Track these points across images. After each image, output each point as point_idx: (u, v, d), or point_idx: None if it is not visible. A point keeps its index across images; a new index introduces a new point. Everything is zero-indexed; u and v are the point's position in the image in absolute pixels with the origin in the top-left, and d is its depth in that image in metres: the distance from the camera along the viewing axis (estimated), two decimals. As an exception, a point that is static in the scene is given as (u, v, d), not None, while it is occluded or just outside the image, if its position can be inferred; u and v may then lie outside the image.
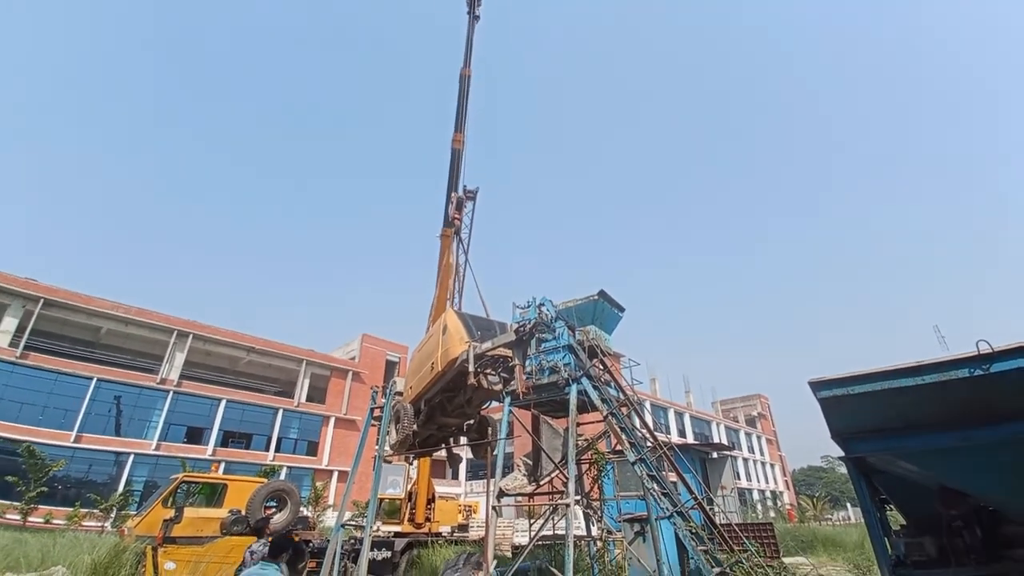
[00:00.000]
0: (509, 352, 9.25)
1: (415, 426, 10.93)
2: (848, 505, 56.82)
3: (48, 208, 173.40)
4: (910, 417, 4.48)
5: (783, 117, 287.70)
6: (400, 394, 12.25)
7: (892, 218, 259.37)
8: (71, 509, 25.01)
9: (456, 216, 17.21)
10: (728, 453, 18.96)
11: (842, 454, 5.22)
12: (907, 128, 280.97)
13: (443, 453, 15.83)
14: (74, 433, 29.90)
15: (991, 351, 3.86)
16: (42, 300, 30.98)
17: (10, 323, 30.11)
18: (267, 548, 6.84)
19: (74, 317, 33.32)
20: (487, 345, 9.29)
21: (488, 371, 9.81)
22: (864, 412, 4.61)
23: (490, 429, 12.63)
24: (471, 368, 9.11)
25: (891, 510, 6.73)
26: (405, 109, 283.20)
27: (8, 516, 23.43)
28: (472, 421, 12.48)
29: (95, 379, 31.71)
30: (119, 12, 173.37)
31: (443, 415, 11.47)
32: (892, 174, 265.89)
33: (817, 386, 4.56)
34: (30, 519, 23.63)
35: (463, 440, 13.75)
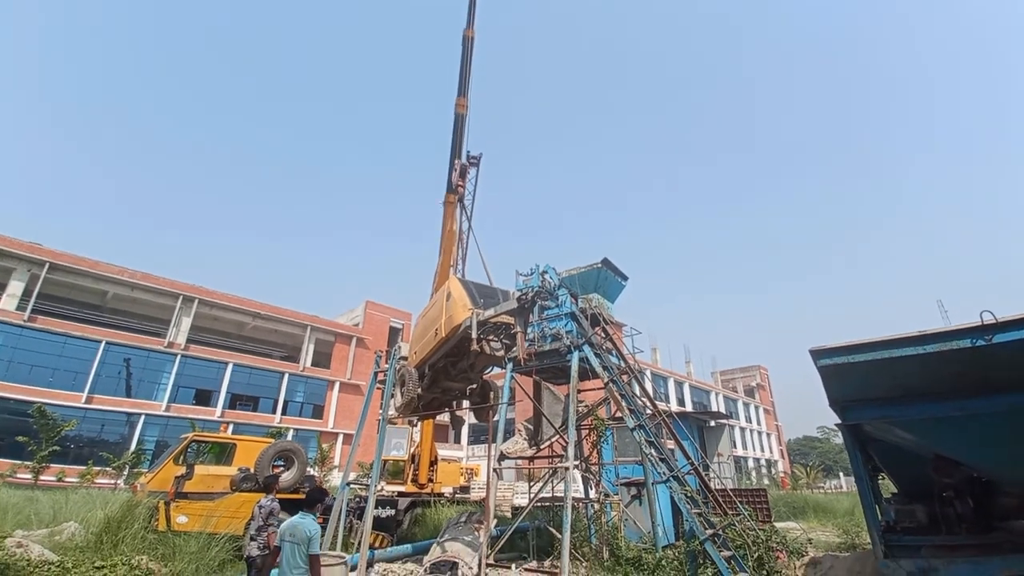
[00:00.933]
0: (511, 319, 9.33)
1: (419, 389, 11.15)
2: (841, 474, 58.06)
3: (54, 173, 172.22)
4: (909, 386, 4.52)
5: (809, 75, 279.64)
6: (405, 359, 12.41)
7: (902, 189, 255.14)
8: (84, 467, 25.74)
9: (460, 183, 17.02)
10: (725, 422, 19.26)
11: (838, 422, 5.29)
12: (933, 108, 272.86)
13: (446, 416, 16.13)
14: (85, 394, 30.55)
15: (995, 321, 3.85)
16: (47, 264, 31.15)
17: (16, 287, 30.36)
18: (275, 503, 7.09)
19: (80, 281, 33.55)
20: (490, 312, 9.37)
21: (491, 337, 9.93)
22: (863, 380, 4.64)
23: (492, 393, 12.85)
24: (474, 334, 9.21)
25: (882, 479, 6.85)
26: (412, 72, 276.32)
27: (20, 475, 24.04)
28: (475, 385, 12.71)
29: (104, 342, 32.18)
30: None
31: (447, 379, 11.70)
32: (904, 145, 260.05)
33: (818, 354, 4.58)
34: (42, 478, 24.24)
35: (466, 404, 13.99)
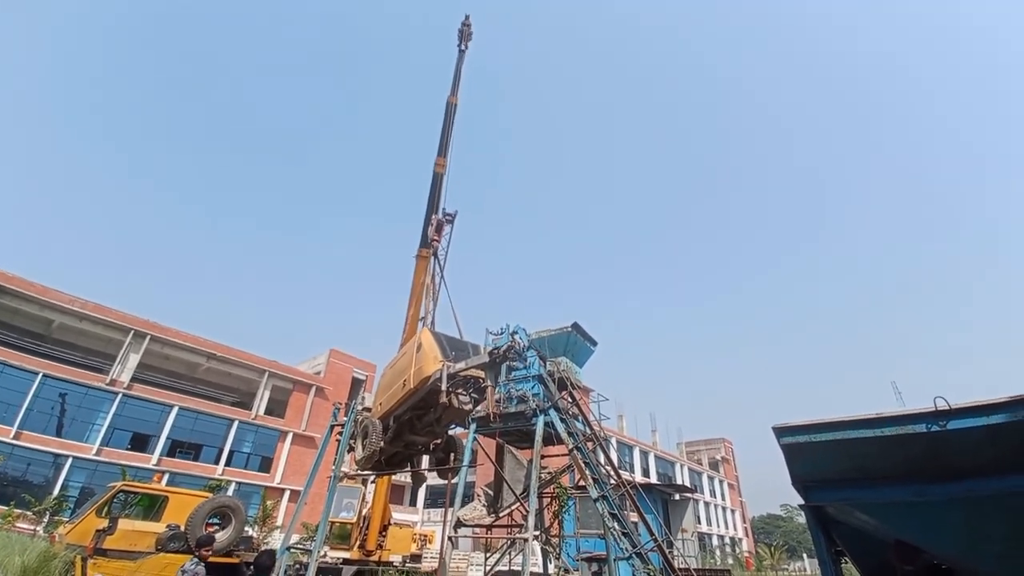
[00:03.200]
0: (481, 373, 9.23)
1: (382, 443, 10.73)
2: (804, 556, 56.95)
3: (13, 199, 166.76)
4: (868, 468, 4.53)
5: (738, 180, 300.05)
6: (368, 410, 12.01)
7: (864, 265, 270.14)
8: (5, 508, 23.33)
9: (435, 238, 17.41)
10: (690, 496, 18.92)
11: (801, 502, 5.23)
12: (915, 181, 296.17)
13: (404, 477, 15.39)
14: (14, 429, 28.07)
15: (948, 408, 3.96)
16: (-7, 287, 29.43)
17: (-46, 309, 28.43)
18: (200, 566, 6.43)
19: (26, 307, 31.64)
20: (460, 365, 9.28)
21: (459, 391, 9.78)
22: (825, 461, 4.64)
23: (457, 450, 12.44)
24: (443, 386, 9.06)
25: (846, 563, 6.74)
26: (385, 122, 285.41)
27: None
28: (439, 440, 12.34)
29: (41, 374, 29.99)
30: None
31: (411, 432, 11.36)
32: (877, 220, 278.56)
33: (781, 432, 4.59)
34: (-37, 515, 21.82)
35: (424, 461, 13.42)
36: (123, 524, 10.51)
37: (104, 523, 10.24)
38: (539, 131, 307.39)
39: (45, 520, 24.13)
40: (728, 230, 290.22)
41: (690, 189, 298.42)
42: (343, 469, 11.18)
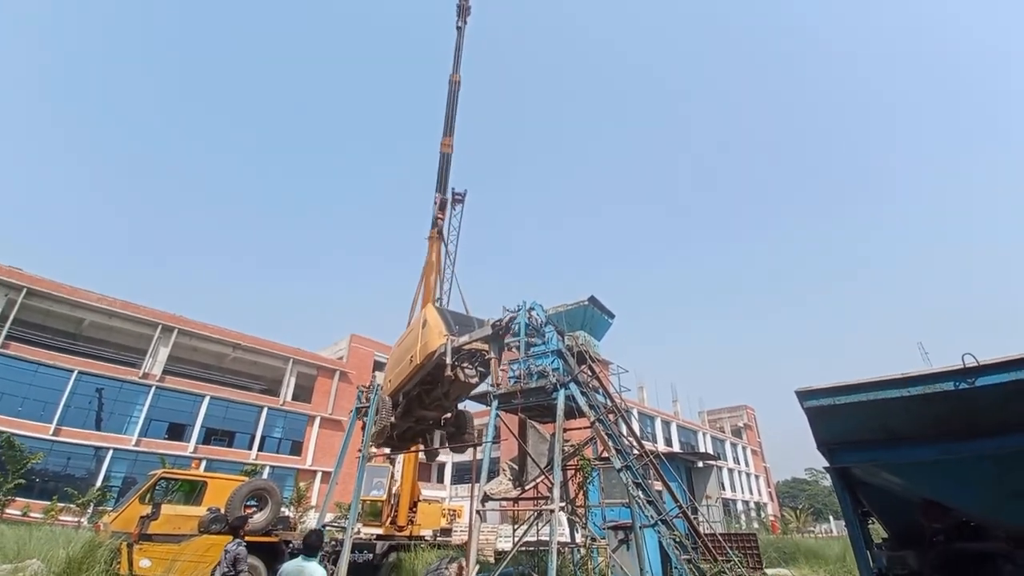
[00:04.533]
0: (485, 346, 9.35)
1: (393, 418, 10.99)
2: (831, 518, 57.15)
3: (39, 198, 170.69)
4: (895, 429, 4.49)
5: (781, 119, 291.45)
6: (380, 387, 12.28)
7: (890, 227, 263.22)
8: (48, 503, 24.56)
9: (440, 216, 17.54)
10: (714, 463, 19.02)
11: (827, 465, 5.22)
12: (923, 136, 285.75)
13: (423, 451, 15.76)
14: (53, 426, 29.29)
15: (976, 364, 3.88)
16: (25, 289, 30.40)
17: (-9, 312, 29.49)
18: (241, 547, 6.73)
19: (57, 308, 32.71)
20: (464, 339, 9.42)
21: (465, 365, 9.93)
22: (850, 423, 4.61)
23: (465, 424, 12.67)
24: (449, 361, 9.21)
25: (873, 523, 6.74)
26: (405, 99, 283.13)
27: (-15, 508, 22.93)
28: (449, 415, 12.57)
29: (76, 371, 31.13)
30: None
31: (421, 408, 11.60)
32: (897, 181, 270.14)
33: (804, 395, 4.55)
34: (7, 511, 23.20)
35: (438, 436, 13.70)
36: (166, 509, 10.98)
37: (147, 510, 10.71)
38: (563, 98, 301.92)
39: (89, 511, 25.35)
40: (750, 192, 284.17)
41: (710, 150, 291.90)
42: (370, 449, 11.48)
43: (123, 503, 11.86)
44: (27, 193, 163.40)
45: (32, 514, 23.65)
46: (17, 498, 24.34)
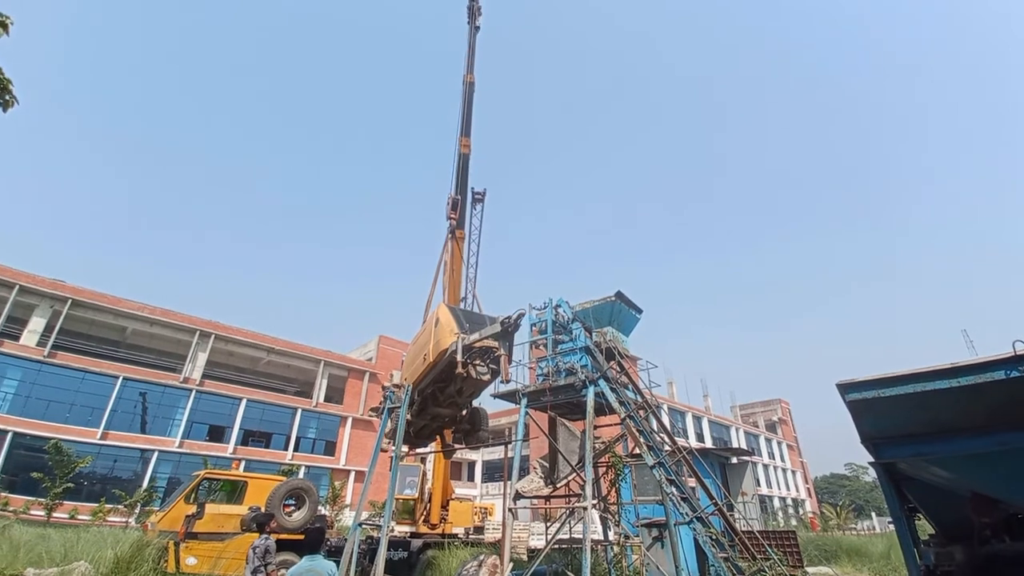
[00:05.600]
0: (495, 343, 9.40)
1: (409, 415, 11.16)
2: (873, 514, 55.36)
3: (72, 208, 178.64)
4: (943, 421, 4.32)
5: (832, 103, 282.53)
6: (398, 386, 12.47)
7: (927, 221, 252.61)
8: (96, 505, 25.55)
9: (452, 215, 17.56)
10: (748, 458, 18.62)
11: (871, 460, 5.06)
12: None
13: (463, 454, 15.87)
14: (100, 430, 30.63)
15: (1030, 352, 3.69)
16: (69, 301, 31.84)
17: (38, 323, 31.00)
18: (269, 540, 6.91)
19: (101, 317, 34.20)
20: (474, 336, 9.51)
21: (477, 362, 10.00)
22: (895, 416, 4.46)
23: (480, 421, 12.74)
24: (459, 358, 9.31)
25: (920, 519, 6.51)
26: (438, 102, 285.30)
27: (33, 512, 23.94)
28: (464, 412, 12.68)
29: (121, 378, 32.47)
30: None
31: (435, 405, 11.74)
32: (933, 175, 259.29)
33: (846, 388, 4.42)
34: (55, 515, 24.12)
35: (451, 434, 13.80)
36: (210, 508, 11.37)
37: (192, 509, 11.11)
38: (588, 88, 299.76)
39: (136, 511, 26.36)
40: (784, 185, 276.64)
41: (733, 140, 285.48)
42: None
43: (169, 503, 12.31)
44: (66, 206, 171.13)
45: (80, 516, 24.60)
46: (65, 502, 25.31)
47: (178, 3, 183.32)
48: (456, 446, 14.59)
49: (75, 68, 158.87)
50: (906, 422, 4.50)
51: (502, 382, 9.22)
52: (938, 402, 4.14)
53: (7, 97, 5.35)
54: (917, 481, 5.22)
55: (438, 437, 14.01)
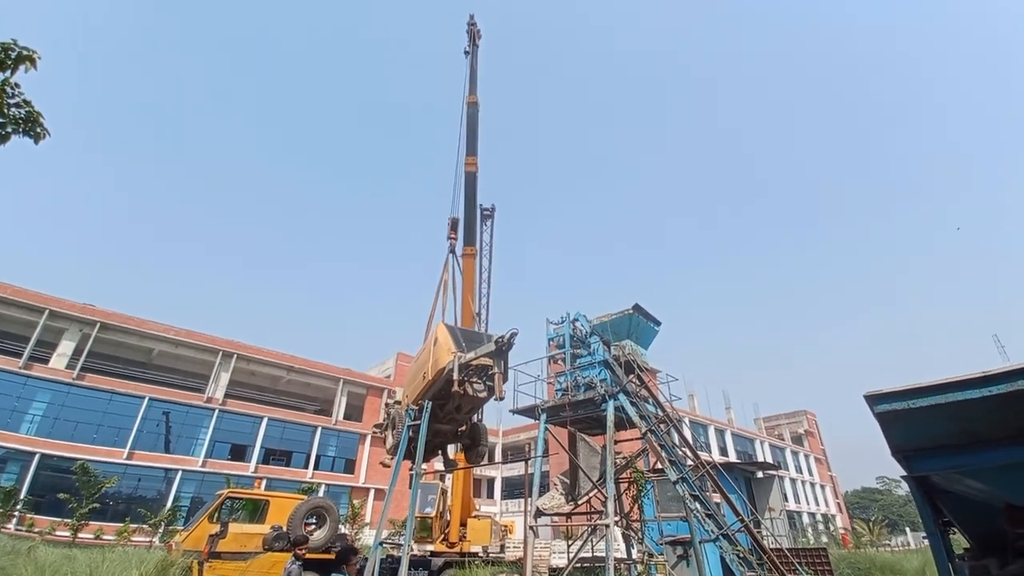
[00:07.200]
0: (490, 361, 9.57)
1: (410, 432, 11.32)
2: (907, 529, 53.27)
3: (91, 225, 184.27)
4: (978, 431, 4.19)
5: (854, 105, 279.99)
6: (399, 402, 12.67)
7: (956, 221, 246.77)
8: (121, 524, 25.81)
9: (452, 235, 17.56)
10: (774, 473, 18.15)
11: (903, 474, 4.91)
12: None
13: (481, 471, 15.76)
14: (126, 450, 31.17)
15: (1067, 359, 3.57)
16: (98, 324, 32.74)
17: (67, 346, 31.88)
18: (294, 565, 6.90)
19: (128, 339, 35.04)
20: (470, 355, 9.72)
21: (474, 380, 10.17)
22: (927, 427, 4.33)
23: (480, 437, 12.78)
24: (455, 376, 9.49)
25: (955, 534, 6.31)
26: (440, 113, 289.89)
27: (58, 533, 24.12)
28: (463, 427, 12.78)
29: (147, 398, 33.12)
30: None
31: (435, 421, 11.91)
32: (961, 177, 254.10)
33: (875, 399, 4.31)
34: (80, 535, 24.29)
35: (452, 449, 13.79)
36: (233, 528, 11.46)
37: (216, 528, 11.21)
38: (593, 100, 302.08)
39: (160, 531, 26.56)
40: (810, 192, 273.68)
41: (757, 144, 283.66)
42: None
43: (193, 522, 12.44)
44: (86, 229, 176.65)
45: (105, 536, 24.73)
46: (91, 522, 25.57)
47: (226, 57, 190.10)
48: (461, 465, 14.62)
49: (85, 72, 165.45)
50: (938, 433, 4.37)
51: (496, 399, 9.40)
52: (972, 412, 4.02)
53: (39, 130, 5.60)
54: (951, 494, 5.06)
55: (440, 452, 14.11)
